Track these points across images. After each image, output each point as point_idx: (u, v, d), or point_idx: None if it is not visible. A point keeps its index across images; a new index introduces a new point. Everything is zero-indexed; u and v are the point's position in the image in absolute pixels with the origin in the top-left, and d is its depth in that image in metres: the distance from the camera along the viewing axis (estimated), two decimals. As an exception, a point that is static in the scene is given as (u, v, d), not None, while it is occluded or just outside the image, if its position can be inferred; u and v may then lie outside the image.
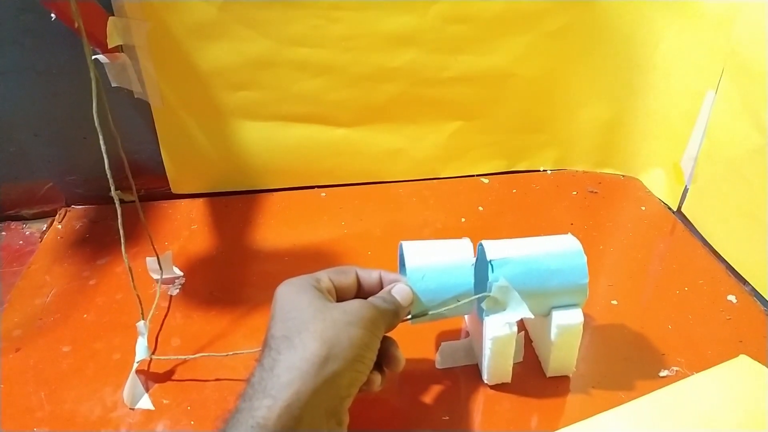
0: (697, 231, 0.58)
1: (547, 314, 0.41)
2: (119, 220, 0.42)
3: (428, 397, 0.43)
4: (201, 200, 0.65)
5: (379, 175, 0.67)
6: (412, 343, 0.45)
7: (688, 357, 0.45)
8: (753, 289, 0.51)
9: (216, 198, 0.65)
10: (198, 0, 0.53)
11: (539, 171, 0.69)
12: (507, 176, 0.68)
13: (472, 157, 0.67)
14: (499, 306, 0.40)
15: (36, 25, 0.52)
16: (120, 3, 0.52)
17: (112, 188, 0.41)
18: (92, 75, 0.38)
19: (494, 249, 0.40)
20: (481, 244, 0.42)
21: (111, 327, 0.49)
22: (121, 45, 0.54)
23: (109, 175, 0.40)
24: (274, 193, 0.66)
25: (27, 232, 0.61)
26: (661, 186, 0.64)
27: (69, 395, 0.43)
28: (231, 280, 0.54)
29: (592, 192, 0.65)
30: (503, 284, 0.39)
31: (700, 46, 0.55)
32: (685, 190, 0.60)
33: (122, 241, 0.42)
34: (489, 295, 0.39)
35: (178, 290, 0.53)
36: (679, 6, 0.56)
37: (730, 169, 0.53)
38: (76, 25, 0.37)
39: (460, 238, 0.42)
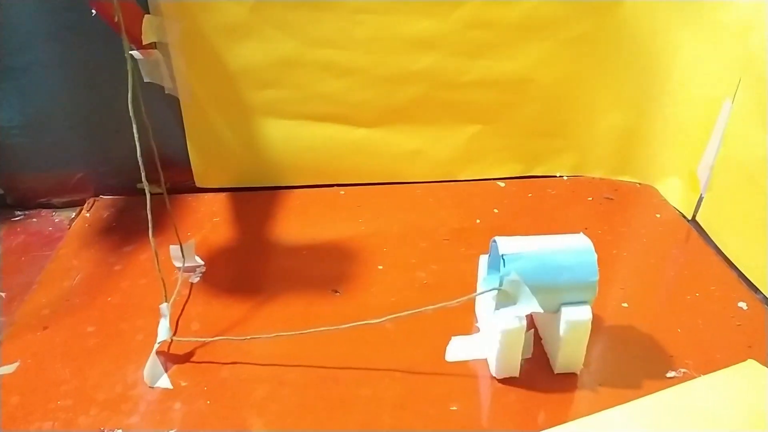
0: (711, 239, 0.59)
1: (557, 310, 0.42)
2: (148, 206, 0.44)
3: (437, 388, 0.44)
4: (224, 194, 0.67)
5: (397, 176, 0.68)
6: (423, 336, 0.47)
7: (696, 360, 0.46)
8: (764, 297, 0.51)
9: (239, 193, 0.67)
10: (229, 1, 0.56)
11: (555, 176, 0.70)
12: (523, 181, 0.69)
13: (490, 161, 0.68)
14: (509, 299, 0.41)
15: (76, 23, 0.55)
16: (156, 2, 0.55)
17: (143, 176, 0.43)
18: (129, 68, 0.41)
19: (507, 244, 0.41)
20: (494, 240, 0.43)
21: (134, 309, 0.51)
22: (155, 42, 0.57)
23: (140, 163, 0.42)
24: (295, 190, 0.67)
25: (56, 219, 0.64)
26: (676, 194, 0.64)
27: (93, 372, 0.45)
28: (250, 271, 0.56)
29: (607, 198, 0.66)
30: (514, 278, 0.40)
31: (718, 54, 0.56)
32: (701, 199, 0.61)
33: (150, 225, 0.44)
34: (500, 289, 0.40)
35: (198, 278, 0.54)
36: (698, 15, 0.57)
37: (745, 179, 0.54)
38: (116, 19, 0.40)
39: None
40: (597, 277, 0.41)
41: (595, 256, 0.41)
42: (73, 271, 0.55)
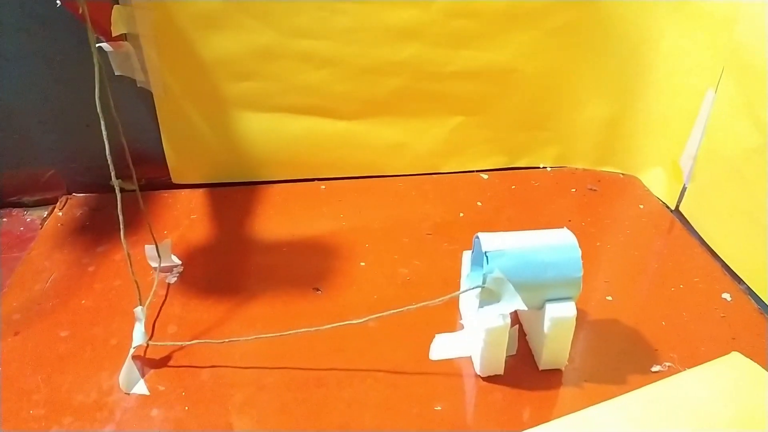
0: (695, 230, 0.59)
1: (541, 307, 0.41)
2: (119, 207, 0.42)
3: (421, 387, 0.43)
4: (201, 190, 0.65)
5: (379, 169, 0.67)
6: (407, 335, 0.46)
7: (681, 353, 0.46)
8: (748, 287, 0.51)
9: (216, 189, 0.65)
10: (202, -10, 0.54)
11: (539, 168, 0.69)
12: (507, 173, 0.68)
13: (473, 153, 0.67)
14: (493, 297, 0.40)
15: (42, 12, 0.53)
16: (124, -8, 0.53)
17: (113, 175, 0.41)
18: (95, 61, 0.39)
19: (490, 241, 0.40)
20: (477, 236, 0.42)
21: (109, 313, 0.49)
22: (125, 34, 0.55)
23: (109, 162, 0.41)
24: (274, 185, 0.66)
25: (28, 219, 0.62)
26: (660, 185, 0.64)
27: (66, 379, 0.44)
28: (229, 270, 0.55)
29: (591, 189, 0.65)
30: (498, 276, 0.39)
31: (701, 45, 0.56)
32: (684, 189, 0.60)
33: (122, 227, 0.42)
34: (484, 287, 0.40)
35: (176, 278, 0.53)
36: (681, 5, 0.56)
37: (729, 169, 0.54)
38: (81, 11, 0.38)
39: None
40: (581, 273, 0.40)
41: (579, 252, 0.40)
42: (45, 273, 0.54)
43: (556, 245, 0.41)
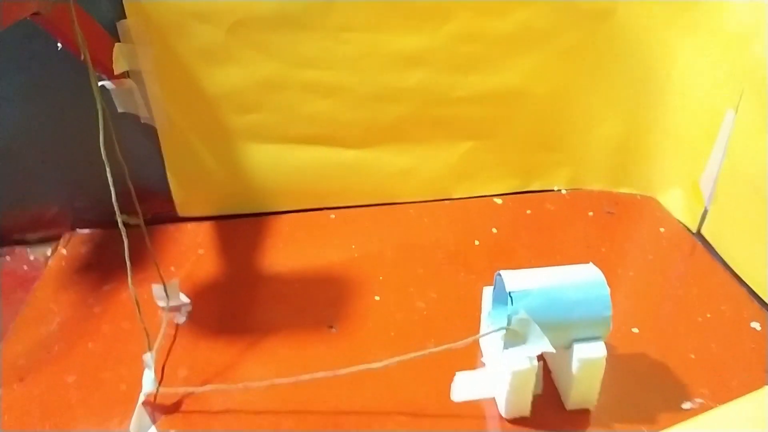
0: (718, 254, 0.57)
1: (568, 347, 0.40)
2: (126, 253, 0.41)
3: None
4: (208, 223, 0.63)
5: (389, 196, 0.65)
6: (426, 373, 0.44)
7: (712, 388, 0.44)
8: (777, 315, 0.50)
9: (223, 221, 0.64)
10: (205, 23, 0.53)
11: (553, 190, 0.67)
12: (520, 196, 0.67)
13: (485, 177, 0.66)
14: (519, 339, 0.38)
15: (43, 51, 0.51)
16: (125, 28, 0.52)
17: (119, 220, 0.40)
18: (99, 106, 0.38)
19: (513, 280, 0.39)
20: (499, 274, 0.40)
21: (117, 356, 0.48)
22: (128, 71, 0.54)
23: (116, 208, 0.39)
24: (282, 216, 0.64)
25: (31, 257, 0.60)
26: (679, 206, 0.63)
27: (75, 427, 0.42)
28: (239, 307, 0.53)
29: (608, 213, 0.64)
30: (523, 317, 0.38)
31: (718, 62, 0.54)
32: (705, 211, 0.59)
33: (129, 274, 0.40)
34: (509, 328, 0.38)
35: (185, 318, 0.51)
36: (695, 21, 0.55)
37: (751, 190, 0.52)
38: (83, 57, 0.37)
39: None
40: (611, 312, 0.38)
41: (608, 289, 0.39)
42: (50, 315, 0.52)
43: (583, 282, 0.39)
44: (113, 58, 0.50)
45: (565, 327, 0.39)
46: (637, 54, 0.59)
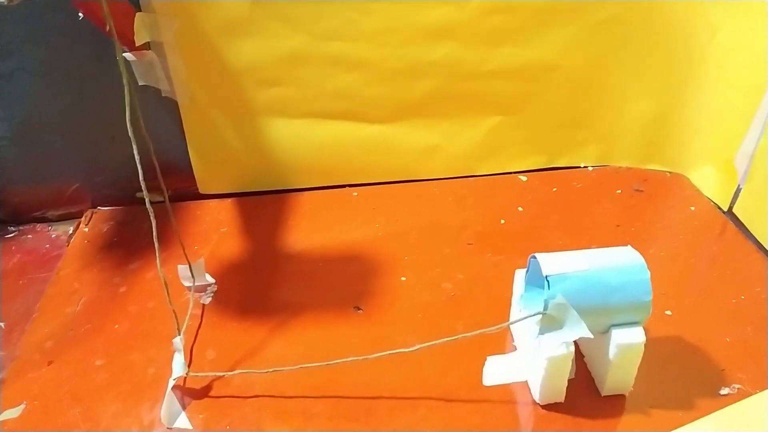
0: (750, 233, 0.55)
1: (606, 332, 0.39)
2: (154, 233, 0.40)
3: (477, 416, 0.41)
4: (229, 200, 0.63)
5: (413, 173, 0.64)
6: (456, 357, 0.44)
7: (750, 373, 0.43)
8: (815, 298, 0.48)
9: (245, 198, 0.63)
10: (228, -5, 0.51)
11: (580, 167, 0.66)
12: (546, 174, 0.65)
13: (510, 154, 0.64)
14: (555, 324, 0.38)
15: (62, 24, 0.50)
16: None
17: (146, 199, 0.39)
18: (125, 80, 0.36)
19: (550, 263, 0.38)
20: (534, 257, 0.39)
21: (145, 338, 0.47)
22: (149, 42, 0.52)
23: (142, 186, 0.38)
24: (304, 193, 0.63)
25: (53, 235, 0.60)
26: (710, 184, 0.61)
27: (105, 412, 0.42)
28: (264, 287, 0.52)
29: (637, 190, 0.62)
30: (560, 301, 0.37)
31: (761, 37, 0.52)
32: (738, 190, 0.57)
33: (158, 256, 0.40)
34: (545, 313, 0.37)
35: (210, 298, 0.51)
36: (738, -2, 0.52)
37: (790, 170, 0.50)
38: (108, 28, 0.35)
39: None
40: (651, 297, 0.37)
41: (648, 273, 0.38)
42: (75, 295, 0.52)
43: (621, 266, 0.38)
44: (135, 29, 0.48)
45: (603, 312, 0.38)
46: (673, 29, 0.56)
